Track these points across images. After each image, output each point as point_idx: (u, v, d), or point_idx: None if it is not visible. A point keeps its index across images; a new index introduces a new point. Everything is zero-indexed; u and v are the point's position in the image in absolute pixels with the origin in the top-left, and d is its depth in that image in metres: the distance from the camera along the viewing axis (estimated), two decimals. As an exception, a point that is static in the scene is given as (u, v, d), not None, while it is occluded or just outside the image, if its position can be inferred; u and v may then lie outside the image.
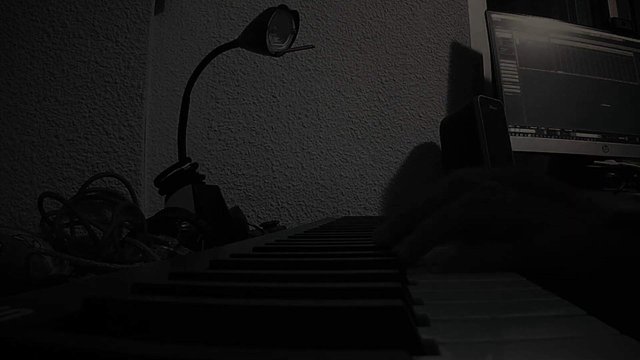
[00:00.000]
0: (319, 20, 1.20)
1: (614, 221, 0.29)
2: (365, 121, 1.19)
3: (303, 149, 1.14)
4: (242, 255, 0.30)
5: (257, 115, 1.13)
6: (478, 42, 1.29)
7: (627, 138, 1.22)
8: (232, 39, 0.82)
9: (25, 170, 0.89)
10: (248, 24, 0.79)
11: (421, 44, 1.26)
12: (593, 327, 0.15)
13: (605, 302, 0.25)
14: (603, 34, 1.27)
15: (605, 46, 1.25)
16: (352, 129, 1.18)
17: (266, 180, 1.11)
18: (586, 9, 1.58)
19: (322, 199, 1.13)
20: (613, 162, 1.17)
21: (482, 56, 1.29)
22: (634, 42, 1.30)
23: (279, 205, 1.11)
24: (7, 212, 0.87)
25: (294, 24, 0.81)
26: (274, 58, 1.02)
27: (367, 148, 1.18)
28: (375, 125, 1.20)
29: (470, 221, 0.29)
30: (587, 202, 0.32)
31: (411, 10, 1.26)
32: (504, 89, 1.12)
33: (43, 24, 0.93)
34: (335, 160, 1.16)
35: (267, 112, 1.13)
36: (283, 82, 1.15)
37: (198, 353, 0.11)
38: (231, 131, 1.11)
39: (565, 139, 1.16)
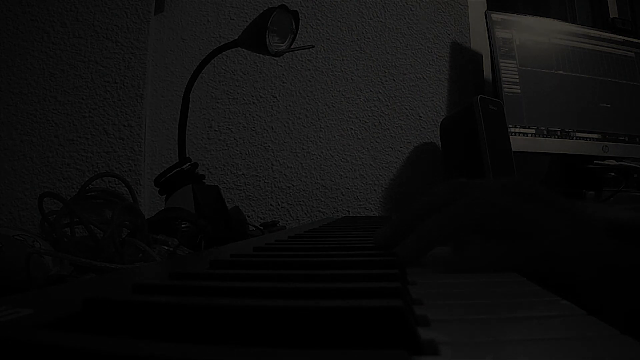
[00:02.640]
0: (319, 20, 1.20)
1: (608, 230, 0.30)
2: (365, 121, 1.19)
3: (303, 149, 1.14)
4: (242, 255, 0.30)
5: (257, 115, 1.13)
6: (478, 42, 1.29)
7: (627, 138, 1.21)
8: (232, 39, 0.82)
9: (25, 170, 0.89)
10: (248, 24, 0.79)
11: (421, 44, 1.26)
12: (593, 327, 0.15)
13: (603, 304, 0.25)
14: (603, 34, 1.27)
15: (605, 46, 1.25)
16: (352, 129, 1.18)
17: (266, 180, 1.11)
18: (586, 9, 1.58)
19: (322, 199, 1.13)
20: (613, 162, 1.17)
21: (482, 56, 1.29)
22: (634, 42, 1.30)
23: (279, 205, 1.11)
24: (7, 212, 0.87)
25: (294, 24, 0.80)
26: (274, 58, 1.02)
27: (367, 148, 1.18)
28: (375, 125, 1.20)
29: (471, 223, 0.30)
30: (583, 211, 0.32)
31: (411, 10, 1.26)
32: (504, 89, 1.12)
33: (43, 24, 0.93)
34: (335, 160, 1.16)
35: (267, 112, 1.13)
36: (283, 82, 1.15)
37: (199, 353, 0.11)
38: (231, 131, 1.11)
39: (565, 139, 1.16)
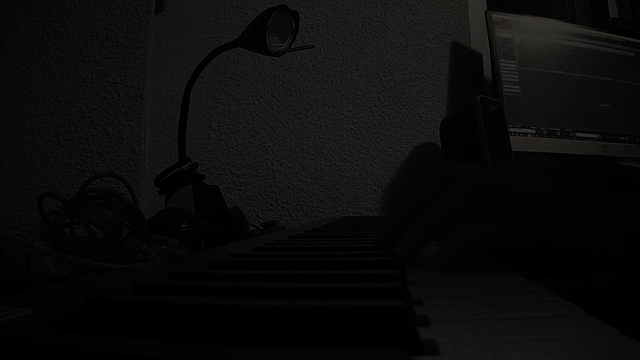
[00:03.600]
0: (319, 20, 1.20)
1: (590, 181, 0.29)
2: (365, 121, 1.19)
3: (303, 149, 1.14)
4: (242, 255, 0.30)
5: (257, 115, 1.13)
6: (478, 42, 1.29)
7: (627, 138, 1.21)
8: (232, 39, 0.82)
9: (25, 170, 0.89)
10: (248, 24, 0.79)
11: (421, 44, 1.26)
12: (593, 327, 0.15)
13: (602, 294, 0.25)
14: (603, 34, 1.27)
15: (605, 46, 1.25)
16: (352, 129, 1.18)
17: (266, 180, 1.11)
18: (586, 9, 1.58)
19: (322, 199, 1.13)
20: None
21: (482, 56, 1.29)
22: (634, 42, 1.29)
23: (279, 205, 1.11)
24: (7, 212, 0.87)
25: (294, 24, 0.80)
26: (274, 58, 1.02)
27: (367, 148, 1.18)
28: (375, 125, 1.20)
29: (460, 210, 0.30)
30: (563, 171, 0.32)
31: (411, 10, 1.26)
32: (504, 89, 1.12)
33: (43, 24, 0.93)
34: (335, 160, 1.16)
35: (267, 112, 1.13)
36: (283, 82, 1.15)
37: (199, 353, 0.11)
38: (231, 131, 1.11)
39: (565, 139, 1.16)
